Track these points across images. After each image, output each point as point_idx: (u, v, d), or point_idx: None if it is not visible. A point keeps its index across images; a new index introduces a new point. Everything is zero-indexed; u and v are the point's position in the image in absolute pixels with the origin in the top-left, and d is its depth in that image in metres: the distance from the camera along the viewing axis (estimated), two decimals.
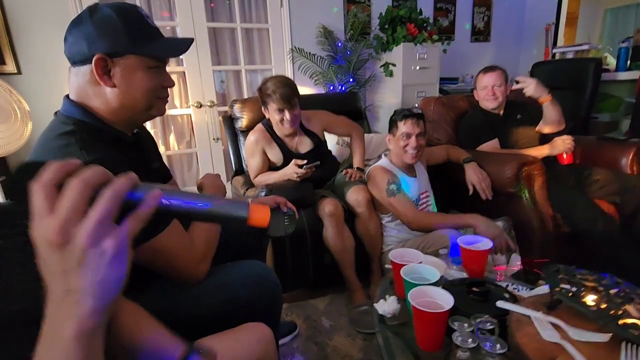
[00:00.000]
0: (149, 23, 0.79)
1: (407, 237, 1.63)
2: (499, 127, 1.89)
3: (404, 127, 1.58)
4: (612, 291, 0.67)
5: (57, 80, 2.30)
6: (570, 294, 0.67)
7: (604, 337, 0.62)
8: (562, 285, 0.69)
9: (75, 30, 0.74)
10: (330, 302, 1.73)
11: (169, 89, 0.85)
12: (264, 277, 0.87)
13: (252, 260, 0.91)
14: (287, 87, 1.65)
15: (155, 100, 0.82)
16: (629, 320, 0.60)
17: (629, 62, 2.81)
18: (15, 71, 2.23)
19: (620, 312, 0.61)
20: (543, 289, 0.88)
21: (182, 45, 0.83)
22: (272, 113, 1.70)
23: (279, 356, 1.04)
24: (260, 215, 0.39)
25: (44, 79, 2.29)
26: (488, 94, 1.89)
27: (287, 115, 1.67)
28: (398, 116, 1.61)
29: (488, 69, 1.91)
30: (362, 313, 1.56)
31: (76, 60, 0.74)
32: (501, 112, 1.93)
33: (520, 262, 1.45)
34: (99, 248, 0.33)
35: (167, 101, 0.86)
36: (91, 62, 0.72)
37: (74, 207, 0.32)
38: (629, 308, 0.62)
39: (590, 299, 0.65)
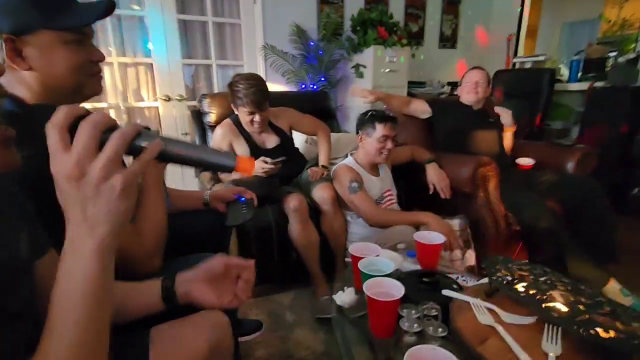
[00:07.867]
0: None
1: (369, 234, 1.68)
2: (471, 120, 2.00)
3: (383, 129, 1.61)
4: (541, 279, 0.74)
5: None
6: (505, 282, 0.74)
7: (530, 320, 0.68)
8: (499, 274, 0.76)
9: None
10: (294, 296, 1.76)
11: (102, 74, 0.77)
12: None
13: (208, 253, 0.91)
14: (258, 92, 1.65)
15: (86, 78, 0.73)
16: (552, 304, 0.67)
17: (580, 73, 3.03)
18: None
19: (545, 297, 0.68)
20: (486, 279, 0.95)
21: (97, 9, 0.71)
22: (241, 113, 1.71)
23: (238, 348, 1.05)
24: (245, 165, 0.45)
25: None
26: (471, 87, 2.00)
27: (257, 117, 1.70)
28: (378, 118, 1.63)
29: (475, 67, 2.05)
30: (323, 302, 1.61)
31: None
32: (474, 108, 2.03)
33: (474, 258, 1.56)
34: (109, 183, 0.38)
35: (102, 77, 0.78)
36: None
37: (86, 146, 0.38)
38: (554, 293, 0.69)
39: (521, 286, 0.72)
